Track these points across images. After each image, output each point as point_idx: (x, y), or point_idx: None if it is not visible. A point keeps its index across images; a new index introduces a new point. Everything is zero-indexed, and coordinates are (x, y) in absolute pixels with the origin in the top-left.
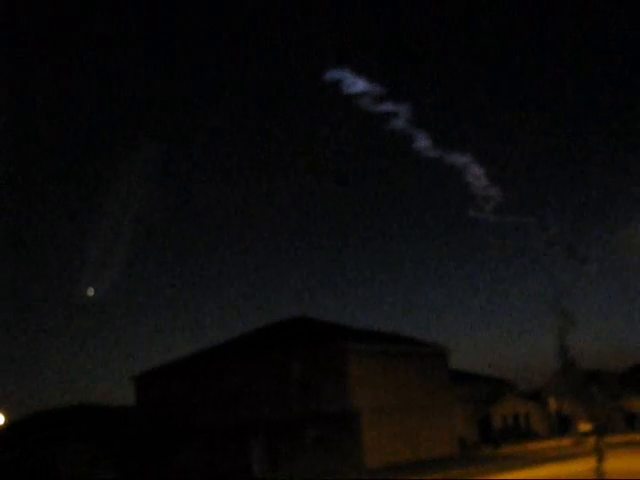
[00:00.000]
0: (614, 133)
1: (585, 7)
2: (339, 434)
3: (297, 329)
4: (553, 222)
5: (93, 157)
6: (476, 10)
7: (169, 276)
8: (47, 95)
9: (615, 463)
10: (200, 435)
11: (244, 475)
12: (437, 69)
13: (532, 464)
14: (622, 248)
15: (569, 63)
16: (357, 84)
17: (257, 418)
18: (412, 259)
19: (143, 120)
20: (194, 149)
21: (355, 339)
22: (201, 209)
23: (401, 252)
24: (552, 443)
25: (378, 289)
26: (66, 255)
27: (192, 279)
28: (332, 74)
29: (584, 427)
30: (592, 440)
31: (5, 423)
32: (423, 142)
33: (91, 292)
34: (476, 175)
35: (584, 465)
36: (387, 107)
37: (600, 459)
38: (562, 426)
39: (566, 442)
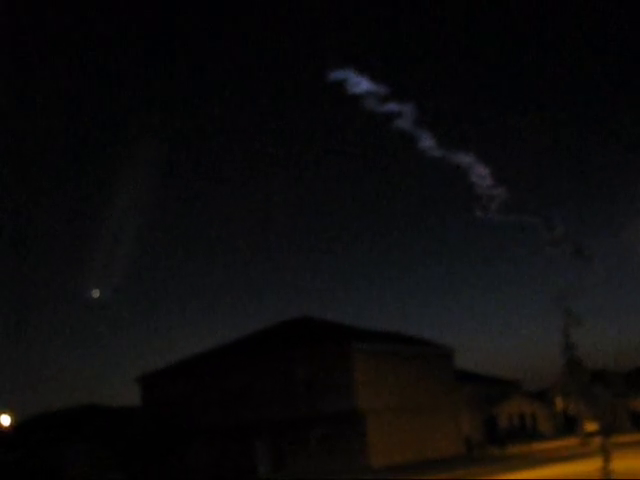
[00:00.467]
0: (620, 130)
1: (587, 7)
2: (344, 434)
3: (301, 329)
4: (559, 222)
5: (96, 158)
6: (480, 10)
7: (173, 277)
8: (49, 95)
9: (621, 463)
10: (205, 435)
11: (249, 475)
12: (441, 69)
13: (538, 464)
14: (628, 247)
15: (575, 62)
16: (361, 84)
17: (262, 418)
18: (417, 259)
19: (146, 120)
20: (197, 150)
21: (360, 339)
22: (205, 210)
23: (406, 252)
24: (558, 443)
25: (383, 289)
26: (71, 256)
27: (196, 280)
28: (336, 74)
29: (590, 427)
30: (598, 440)
31: (11, 424)
32: (427, 142)
33: (96, 294)
34: (481, 175)
35: (590, 465)
36: (391, 107)
37: (606, 459)
38: (568, 426)
39: (572, 442)
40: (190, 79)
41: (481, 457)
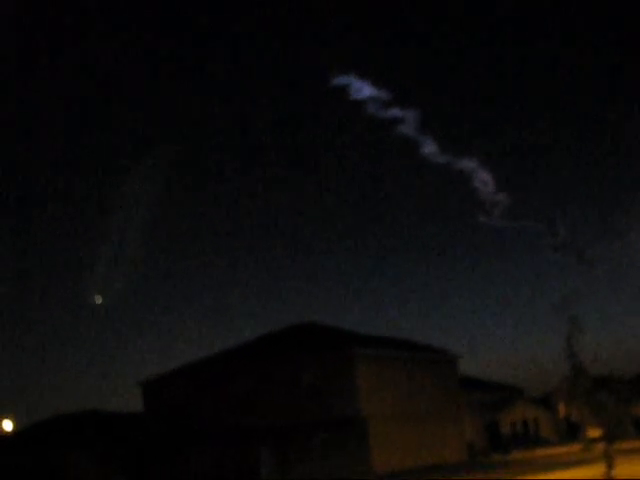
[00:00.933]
0: (624, 135)
1: (588, 10)
2: (347, 439)
3: (306, 335)
4: (562, 227)
5: (101, 162)
6: (483, 15)
7: (177, 282)
8: (52, 98)
9: (625, 469)
10: (208, 440)
11: None
12: (444, 75)
13: (541, 470)
14: (632, 252)
15: (578, 66)
16: (364, 89)
17: (265, 423)
18: (420, 265)
19: (151, 125)
20: (201, 155)
21: (364, 345)
22: (209, 214)
23: (409, 258)
24: (561, 449)
25: (387, 295)
26: (74, 261)
27: (200, 285)
28: (338, 79)
29: (593, 433)
30: (601, 446)
31: (13, 429)
32: (430, 148)
33: (99, 300)
34: (484, 180)
35: (594, 471)
36: (394, 112)
37: (610, 465)
38: (571, 432)
39: (575, 448)
40: (193, 83)
41: (484, 463)
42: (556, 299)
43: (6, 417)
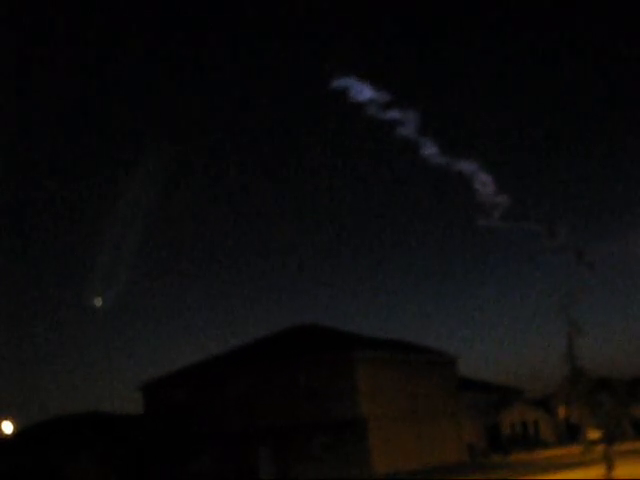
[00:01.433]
0: (623, 138)
1: (590, 12)
2: (347, 441)
3: (305, 336)
4: (561, 229)
5: (100, 165)
6: (482, 17)
7: (177, 284)
8: (53, 100)
9: (624, 471)
10: (208, 442)
11: None
12: (444, 77)
13: (541, 472)
14: (632, 254)
15: (578, 69)
16: (364, 92)
17: (265, 425)
18: (419, 266)
19: (149, 128)
20: (201, 156)
21: (363, 347)
22: (208, 217)
23: (408, 259)
24: (561, 451)
25: (386, 297)
26: (74, 264)
27: (199, 287)
28: (339, 82)
29: (593, 435)
30: (601, 448)
31: (14, 431)
32: (430, 149)
33: (99, 302)
34: (484, 182)
35: (593, 472)
36: (394, 114)
37: (609, 467)
38: (571, 433)
39: (575, 450)
40: (193, 86)
41: (484, 464)
42: (556, 300)
43: (6, 419)
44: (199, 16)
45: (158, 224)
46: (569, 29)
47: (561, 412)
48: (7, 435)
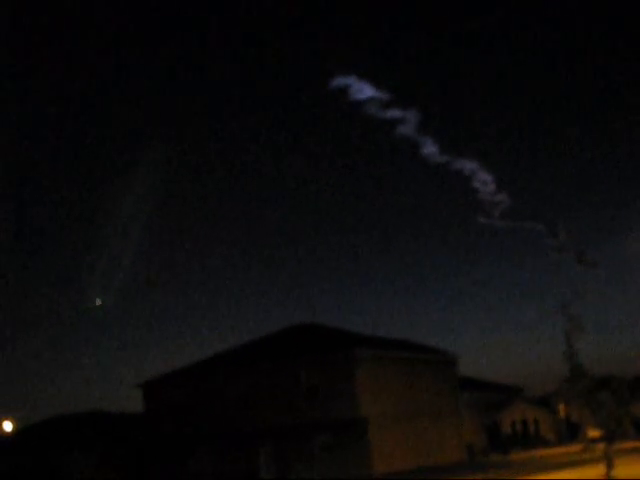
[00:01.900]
0: (624, 137)
1: (589, 11)
2: (347, 440)
3: (306, 336)
4: (562, 228)
5: (100, 165)
6: (483, 16)
7: (177, 283)
8: (51, 100)
9: (625, 469)
10: (208, 441)
11: None
12: (444, 75)
13: (541, 470)
14: (633, 253)
15: (579, 67)
16: (364, 90)
17: (265, 425)
18: (419, 265)
19: (150, 127)
20: (201, 156)
21: (364, 346)
22: (209, 216)
23: (409, 258)
24: (561, 449)
25: (386, 296)
26: (74, 263)
27: (200, 286)
28: (338, 81)
29: (593, 433)
30: (601, 446)
31: (14, 430)
32: (430, 148)
33: (99, 302)
34: (484, 181)
35: (593, 471)
36: (394, 113)
37: (609, 465)
38: (571, 432)
39: (575, 448)
40: (193, 84)
41: (484, 463)
42: (556, 299)
43: (7, 418)
44: (198, 13)
45: (158, 223)
46: (569, 27)
47: (561, 411)
48: (8, 433)
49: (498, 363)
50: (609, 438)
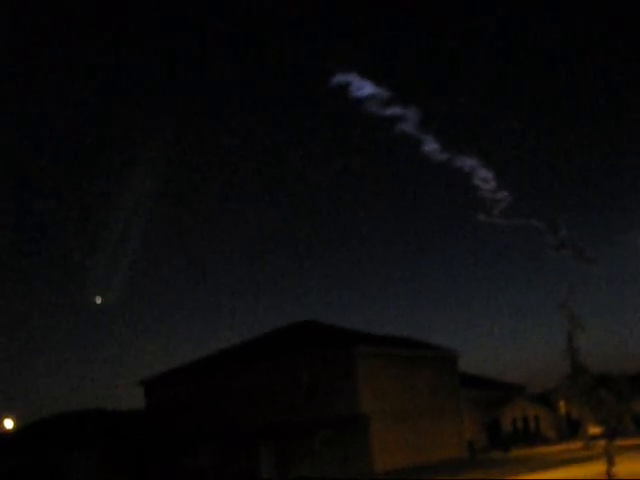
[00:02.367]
0: (625, 134)
1: (590, 10)
2: (348, 438)
3: (306, 333)
4: (562, 225)
5: (100, 162)
6: (483, 14)
7: (177, 281)
8: (57, 96)
9: (625, 466)
10: (209, 439)
11: (253, 478)
12: (445, 72)
13: (542, 468)
14: (634, 250)
15: (580, 65)
16: (364, 88)
17: (265, 422)
18: (420, 263)
19: (149, 124)
20: (201, 153)
21: (364, 343)
22: (209, 213)
23: (409, 255)
24: (562, 447)
25: (387, 293)
26: (75, 261)
27: (200, 284)
28: (339, 78)
29: (594, 430)
30: (602, 443)
31: (14, 428)
32: (431, 145)
33: (99, 300)
34: (484, 178)
35: (594, 469)
36: (394, 111)
37: (610, 462)
38: (572, 429)
39: (576, 445)
40: (192, 81)
41: (484, 461)
42: (557, 297)
43: (7, 416)
44: (197, 13)
45: (159, 221)
46: (569, 27)
47: (562, 408)
48: (8, 431)
49: (498, 360)
50: (610, 435)
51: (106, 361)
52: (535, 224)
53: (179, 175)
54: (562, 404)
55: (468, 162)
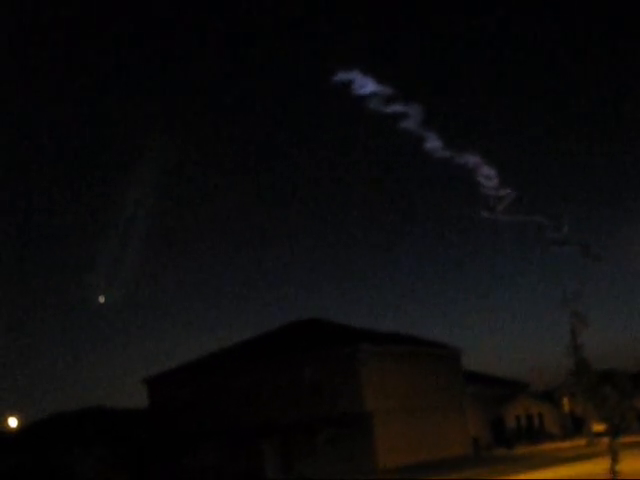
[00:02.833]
0: (629, 130)
1: (589, 8)
2: (352, 435)
3: (310, 331)
4: (566, 222)
5: (103, 161)
6: (486, 11)
7: (181, 279)
8: (52, 97)
9: (629, 463)
10: (212, 437)
11: (257, 477)
12: (447, 69)
13: (546, 465)
14: (636, 246)
15: (581, 62)
16: (367, 85)
17: (269, 420)
18: (423, 260)
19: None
20: (204, 152)
21: (368, 341)
22: (211, 212)
23: (413, 253)
24: (566, 444)
25: (390, 291)
26: (78, 259)
27: (204, 281)
28: (341, 75)
29: (598, 427)
30: (606, 441)
31: (18, 426)
32: (434, 143)
33: (102, 299)
34: (488, 175)
35: (598, 466)
36: (397, 108)
37: (614, 459)
38: (575, 426)
39: (579, 443)
40: (195, 80)
41: (488, 458)
42: (560, 293)
43: (11, 414)
44: (197, 13)
45: (160, 221)
46: (569, 26)
47: (566, 405)
48: (13, 429)
49: (502, 357)
50: (613, 432)
51: (110, 360)
52: (539, 221)
53: (181, 174)
54: (566, 401)
55: (471, 159)
